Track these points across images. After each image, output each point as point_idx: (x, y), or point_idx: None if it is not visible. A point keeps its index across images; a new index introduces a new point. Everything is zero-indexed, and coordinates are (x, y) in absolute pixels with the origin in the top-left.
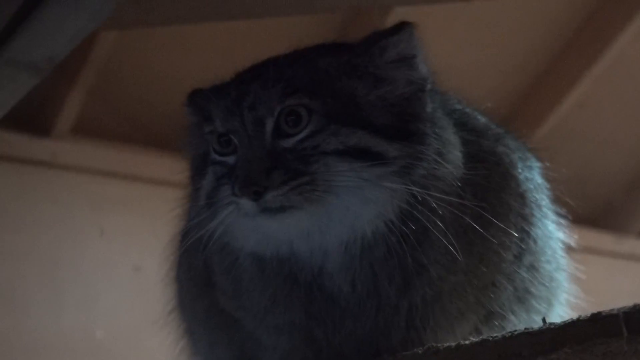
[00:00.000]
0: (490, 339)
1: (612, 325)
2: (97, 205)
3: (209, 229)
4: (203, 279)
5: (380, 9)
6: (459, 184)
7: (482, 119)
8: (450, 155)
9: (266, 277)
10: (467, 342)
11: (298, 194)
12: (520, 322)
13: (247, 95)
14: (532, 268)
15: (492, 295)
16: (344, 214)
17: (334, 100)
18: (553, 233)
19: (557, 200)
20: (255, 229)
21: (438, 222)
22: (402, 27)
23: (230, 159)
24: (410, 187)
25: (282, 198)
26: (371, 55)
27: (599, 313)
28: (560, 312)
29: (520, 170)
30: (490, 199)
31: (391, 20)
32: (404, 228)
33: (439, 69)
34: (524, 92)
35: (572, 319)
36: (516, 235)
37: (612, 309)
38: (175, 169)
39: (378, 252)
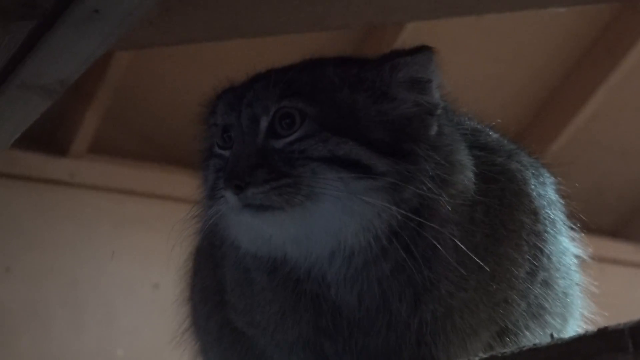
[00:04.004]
0: (499, 355)
1: (618, 340)
2: (114, 223)
3: (206, 219)
4: (216, 298)
5: (394, 25)
6: (470, 202)
7: (495, 136)
8: (455, 177)
9: (274, 288)
10: (476, 358)
11: (278, 195)
12: (536, 338)
13: (248, 93)
14: (546, 284)
15: (505, 311)
16: (327, 222)
17: (331, 109)
18: (567, 249)
19: (573, 214)
20: (246, 226)
21: (447, 240)
22: (420, 49)
23: (228, 153)
24: (389, 207)
25: (262, 196)
26: (381, 72)
27: (606, 328)
28: (575, 327)
29: (533, 187)
30: (503, 216)
31: (405, 36)
32: (410, 244)
33: (455, 82)
34: (540, 104)
35: (579, 334)
36: (529, 252)
37: (618, 324)
38: (192, 186)
39: (385, 267)
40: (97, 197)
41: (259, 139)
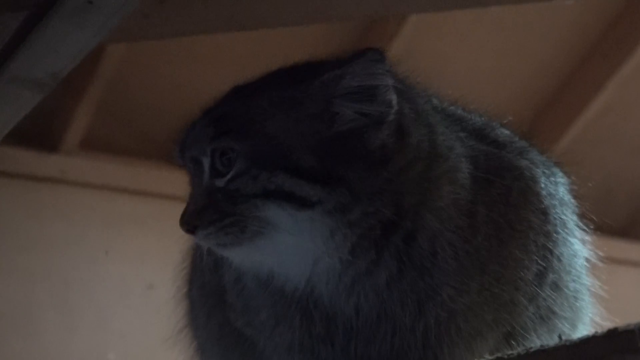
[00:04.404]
0: (506, 357)
1: (628, 341)
2: (107, 222)
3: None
4: (217, 296)
5: (396, 17)
6: (469, 204)
7: (505, 132)
8: (434, 191)
9: (264, 295)
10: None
11: (225, 235)
12: (543, 342)
13: (189, 133)
14: (556, 287)
15: (511, 314)
16: (287, 251)
17: (262, 141)
18: (578, 251)
19: (584, 214)
20: None
21: (445, 247)
22: (361, 54)
23: None
24: (337, 230)
25: (212, 237)
26: (313, 89)
27: (615, 329)
28: (585, 332)
29: (543, 186)
30: (508, 216)
31: (408, 28)
32: (403, 256)
33: (459, 76)
34: (547, 98)
35: (587, 335)
36: (536, 252)
37: (629, 324)
38: (187, 183)
39: (380, 279)
40: (89, 195)
41: (204, 180)
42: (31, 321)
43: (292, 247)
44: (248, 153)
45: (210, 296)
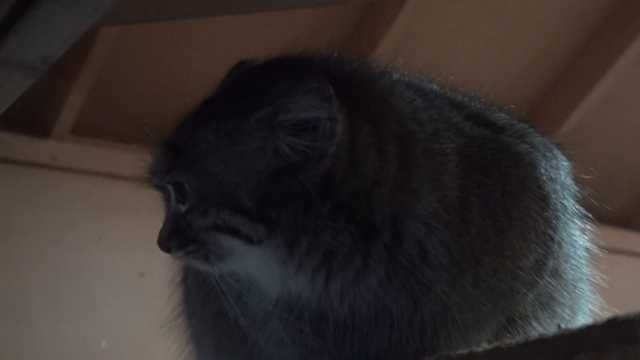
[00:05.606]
0: (504, 346)
1: (628, 330)
2: (99, 209)
3: None
4: (212, 284)
5: (394, 1)
6: (460, 200)
7: (504, 115)
8: (418, 194)
9: (251, 293)
10: (479, 349)
11: (193, 258)
12: (544, 328)
13: (154, 161)
14: (556, 273)
15: (509, 303)
16: (255, 274)
17: (208, 177)
18: (579, 240)
19: (583, 201)
20: None
21: (435, 244)
22: (295, 86)
23: None
24: (294, 258)
25: (184, 259)
26: (249, 125)
27: (615, 318)
28: (584, 322)
29: (543, 171)
30: (505, 205)
31: (405, 13)
32: (391, 260)
33: (458, 64)
34: (546, 87)
35: (587, 324)
36: (535, 240)
37: (629, 314)
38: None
39: (372, 282)
40: (81, 181)
41: (172, 205)
42: (21, 309)
43: (256, 272)
44: (197, 188)
45: (206, 284)
